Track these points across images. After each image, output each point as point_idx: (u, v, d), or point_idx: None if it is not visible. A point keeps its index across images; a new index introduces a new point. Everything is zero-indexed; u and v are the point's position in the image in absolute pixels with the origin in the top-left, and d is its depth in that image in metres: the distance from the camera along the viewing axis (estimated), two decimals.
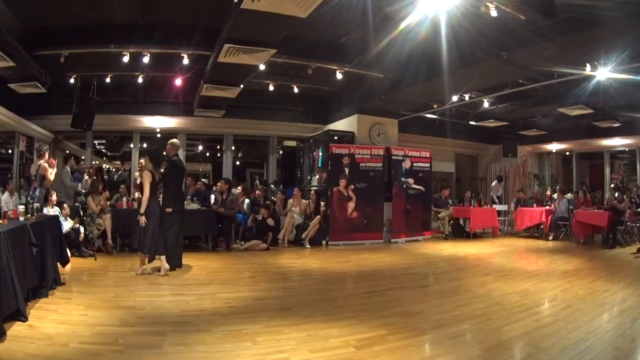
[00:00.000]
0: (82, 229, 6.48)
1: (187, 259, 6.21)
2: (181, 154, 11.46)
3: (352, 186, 8.75)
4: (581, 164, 13.91)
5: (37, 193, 5.96)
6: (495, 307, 4.11)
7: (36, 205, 5.18)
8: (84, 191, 7.57)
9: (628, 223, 8.48)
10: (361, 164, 8.96)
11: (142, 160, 8.79)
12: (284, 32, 5.72)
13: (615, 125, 10.51)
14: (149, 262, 5.30)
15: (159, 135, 11.82)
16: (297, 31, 6.17)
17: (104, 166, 12.66)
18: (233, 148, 11.80)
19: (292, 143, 12.00)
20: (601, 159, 12.92)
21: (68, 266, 5.36)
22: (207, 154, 15.75)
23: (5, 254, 3.13)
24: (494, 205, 11.16)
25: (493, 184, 12.42)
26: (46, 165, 6.10)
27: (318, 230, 8.36)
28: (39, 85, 7.31)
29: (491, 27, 5.56)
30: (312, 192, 9.07)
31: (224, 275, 5.52)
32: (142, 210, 5.17)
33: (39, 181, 5.99)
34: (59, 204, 6.42)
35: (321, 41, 7.62)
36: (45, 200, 5.97)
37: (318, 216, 8.43)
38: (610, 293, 4.71)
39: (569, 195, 10.47)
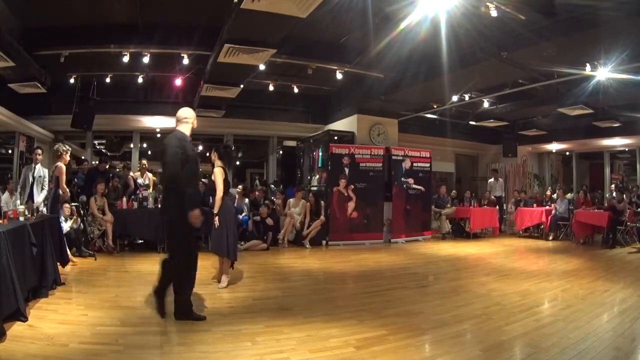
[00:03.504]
0: (81, 227, 6.46)
1: None
2: None
3: (352, 186, 8.75)
4: (581, 164, 13.90)
5: (51, 194, 5.87)
6: (495, 307, 4.11)
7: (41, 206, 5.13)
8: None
9: (628, 223, 8.48)
10: (361, 164, 8.96)
11: (144, 161, 8.81)
12: (284, 32, 5.72)
13: (615, 125, 10.50)
14: (232, 266, 5.02)
15: (159, 135, 11.83)
16: (297, 31, 6.16)
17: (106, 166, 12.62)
18: (233, 148, 11.80)
19: (292, 143, 12.00)
20: (601, 159, 12.92)
21: (68, 266, 5.36)
22: (207, 154, 15.76)
23: (5, 254, 3.13)
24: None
25: (490, 181, 11.73)
26: (63, 167, 5.83)
27: (319, 230, 8.37)
28: (39, 85, 7.31)
29: (491, 27, 5.56)
30: (311, 195, 9.04)
31: None
32: (217, 209, 4.74)
33: (55, 183, 5.86)
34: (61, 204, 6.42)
35: (321, 41, 7.61)
36: (56, 202, 5.78)
37: (322, 217, 8.44)
38: (610, 293, 4.71)
39: (569, 195, 10.45)
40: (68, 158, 6.04)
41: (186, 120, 3.75)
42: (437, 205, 10.02)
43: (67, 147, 6.11)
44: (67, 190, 5.90)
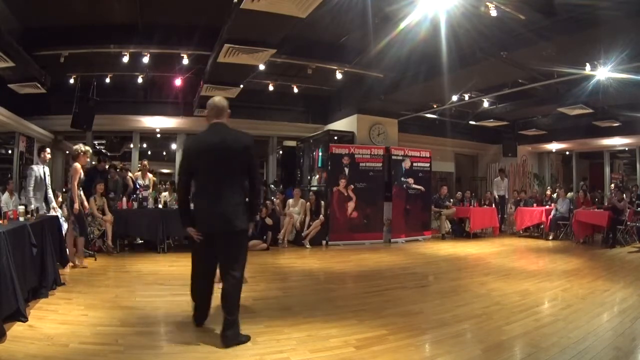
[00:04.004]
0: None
1: (187, 259, 6.22)
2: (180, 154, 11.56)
3: (352, 186, 8.75)
4: (581, 164, 13.92)
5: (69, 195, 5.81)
6: (495, 307, 4.11)
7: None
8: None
9: (628, 222, 8.48)
10: (361, 164, 8.96)
11: (145, 162, 8.79)
12: (283, 32, 5.72)
13: (615, 124, 10.52)
14: None
15: (158, 135, 11.84)
16: (297, 31, 6.16)
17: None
18: None
19: (292, 143, 12.01)
20: (601, 159, 12.93)
21: (68, 266, 5.35)
22: None
23: (5, 254, 3.13)
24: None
25: (495, 179, 11.60)
26: (78, 167, 5.66)
27: (318, 230, 8.37)
28: (39, 85, 7.31)
29: (491, 27, 5.57)
30: (311, 193, 9.06)
31: None
32: None
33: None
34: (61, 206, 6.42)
35: (321, 41, 7.62)
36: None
37: (321, 216, 8.44)
38: (610, 292, 4.71)
39: (569, 195, 10.45)
40: (87, 159, 5.92)
41: (228, 111, 3.25)
42: (437, 205, 10.01)
43: (87, 147, 5.97)
44: (77, 191, 5.68)
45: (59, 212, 6.14)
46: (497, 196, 11.05)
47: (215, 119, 3.20)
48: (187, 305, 4.02)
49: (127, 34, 6.99)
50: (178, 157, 11.27)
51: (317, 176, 10.09)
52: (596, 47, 5.86)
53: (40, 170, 6.01)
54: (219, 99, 3.27)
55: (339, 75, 8.13)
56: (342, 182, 8.67)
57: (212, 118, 3.22)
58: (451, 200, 10.32)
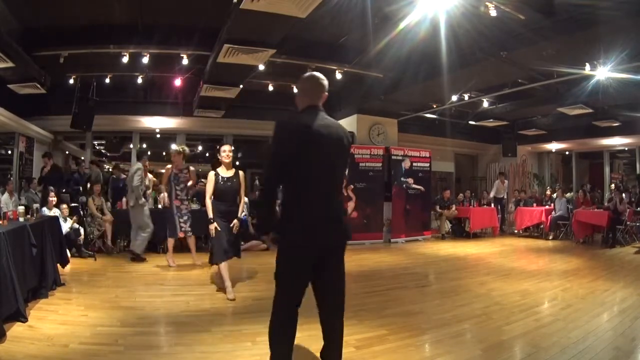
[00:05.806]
0: (81, 230, 6.47)
1: (186, 259, 6.22)
2: None
3: (352, 186, 8.75)
4: (581, 164, 13.92)
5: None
6: (495, 307, 4.11)
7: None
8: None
9: (628, 222, 8.48)
10: (361, 164, 8.96)
11: (146, 162, 8.76)
12: (283, 32, 5.72)
13: (614, 124, 10.51)
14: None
15: (158, 135, 11.84)
16: (297, 31, 6.16)
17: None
18: (233, 148, 11.78)
19: None
20: (601, 159, 12.93)
21: (68, 267, 5.36)
22: (207, 154, 15.78)
23: (5, 254, 3.13)
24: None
25: (496, 183, 11.33)
26: (167, 168, 5.80)
27: None
28: (39, 85, 7.30)
29: (491, 27, 5.56)
30: None
31: None
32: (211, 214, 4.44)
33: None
34: (58, 205, 6.42)
35: (321, 41, 7.61)
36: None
37: None
38: (610, 292, 4.71)
39: (568, 195, 10.44)
40: (178, 159, 5.82)
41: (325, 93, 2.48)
42: (442, 207, 10.01)
43: (178, 148, 5.91)
44: (164, 187, 5.93)
45: (58, 213, 6.14)
46: (492, 197, 10.89)
47: (315, 101, 2.42)
48: (186, 305, 4.04)
49: (127, 34, 6.98)
50: None
51: None
52: (596, 47, 5.85)
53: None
54: (321, 75, 2.48)
55: (338, 75, 8.12)
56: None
57: (312, 99, 2.42)
58: (454, 206, 10.25)
